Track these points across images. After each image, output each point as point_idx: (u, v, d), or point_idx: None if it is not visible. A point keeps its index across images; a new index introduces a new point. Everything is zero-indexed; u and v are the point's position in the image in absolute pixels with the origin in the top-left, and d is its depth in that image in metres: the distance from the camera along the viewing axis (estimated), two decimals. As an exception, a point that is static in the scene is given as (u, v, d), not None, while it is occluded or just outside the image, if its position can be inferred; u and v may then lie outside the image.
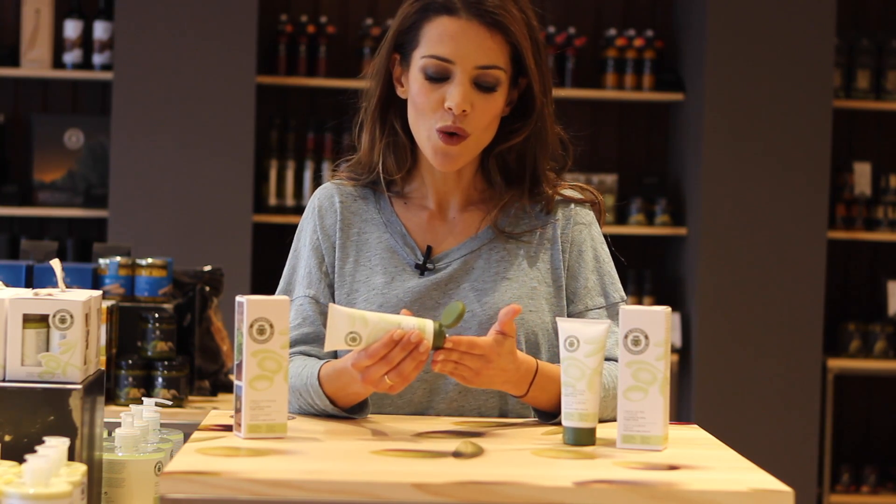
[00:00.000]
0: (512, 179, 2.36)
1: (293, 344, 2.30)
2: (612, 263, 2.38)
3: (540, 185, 2.36)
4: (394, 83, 2.34)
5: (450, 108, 2.24)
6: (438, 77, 2.25)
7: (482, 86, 2.25)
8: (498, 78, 2.26)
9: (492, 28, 2.25)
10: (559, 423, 2.10)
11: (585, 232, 2.37)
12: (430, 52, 2.25)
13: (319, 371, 2.19)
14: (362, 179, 2.39)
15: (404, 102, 2.33)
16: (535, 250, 2.34)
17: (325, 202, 2.38)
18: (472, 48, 2.24)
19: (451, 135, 2.25)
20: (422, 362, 2.04)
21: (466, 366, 2.08)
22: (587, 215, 2.39)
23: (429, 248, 2.33)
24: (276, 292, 2.38)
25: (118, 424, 2.21)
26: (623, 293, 2.37)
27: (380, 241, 2.34)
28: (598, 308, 2.33)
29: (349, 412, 2.20)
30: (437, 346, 2.06)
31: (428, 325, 2.05)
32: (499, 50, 2.26)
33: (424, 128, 2.28)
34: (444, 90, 2.25)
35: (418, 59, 2.27)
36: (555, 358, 2.25)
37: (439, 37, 2.25)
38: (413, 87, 2.29)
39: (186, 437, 2.12)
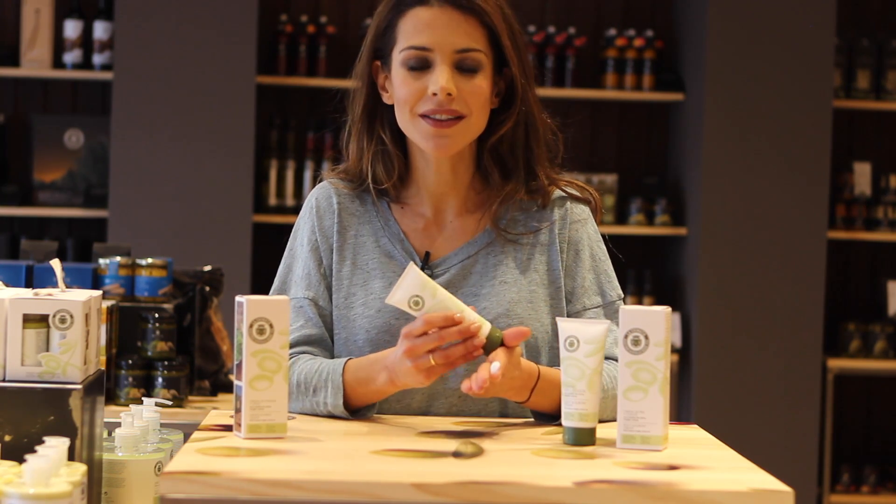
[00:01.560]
0: (509, 175, 2.35)
1: (296, 345, 2.29)
2: (608, 261, 2.38)
3: (536, 179, 2.35)
4: (378, 92, 2.34)
5: (434, 94, 2.23)
6: (419, 66, 2.25)
7: (464, 68, 2.26)
8: (478, 60, 2.26)
9: (466, 12, 2.26)
10: (559, 424, 2.10)
11: (582, 230, 2.36)
12: (408, 43, 2.26)
13: (347, 362, 2.19)
14: (355, 186, 2.38)
15: (391, 110, 2.32)
16: (532, 252, 2.33)
17: (322, 202, 2.37)
18: (448, 33, 2.25)
19: (444, 119, 2.24)
20: (471, 355, 2.04)
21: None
22: (583, 211, 2.37)
23: (427, 254, 2.32)
24: (271, 291, 2.37)
25: (118, 424, 2.21)
26: (620, 291, 2.36)
27: (377, 245, 2.33)
28: (596, 307, 2.33)
29: (353, 414, 2.19)
30: (489, 349, 2.05)
31: (486, 326, 2.05)
32: (476, 33, 2.26)
33: (412, 118, 2.27)
34: (427, 79, 2.25)
35: (398, 55, 2.27)
36: (555, 360, 2.25)
37: (415, 28, 2.26)
38: (396, 82, 2.28)
39: (186, 437, 2.12)
